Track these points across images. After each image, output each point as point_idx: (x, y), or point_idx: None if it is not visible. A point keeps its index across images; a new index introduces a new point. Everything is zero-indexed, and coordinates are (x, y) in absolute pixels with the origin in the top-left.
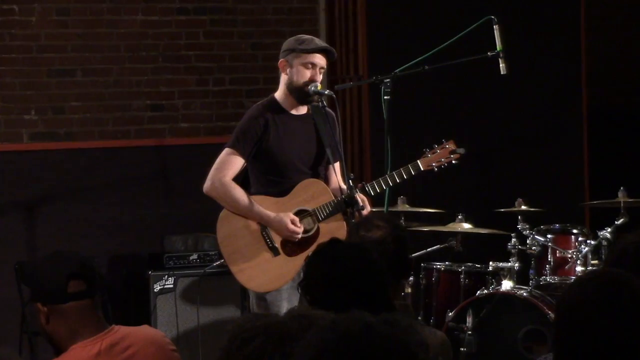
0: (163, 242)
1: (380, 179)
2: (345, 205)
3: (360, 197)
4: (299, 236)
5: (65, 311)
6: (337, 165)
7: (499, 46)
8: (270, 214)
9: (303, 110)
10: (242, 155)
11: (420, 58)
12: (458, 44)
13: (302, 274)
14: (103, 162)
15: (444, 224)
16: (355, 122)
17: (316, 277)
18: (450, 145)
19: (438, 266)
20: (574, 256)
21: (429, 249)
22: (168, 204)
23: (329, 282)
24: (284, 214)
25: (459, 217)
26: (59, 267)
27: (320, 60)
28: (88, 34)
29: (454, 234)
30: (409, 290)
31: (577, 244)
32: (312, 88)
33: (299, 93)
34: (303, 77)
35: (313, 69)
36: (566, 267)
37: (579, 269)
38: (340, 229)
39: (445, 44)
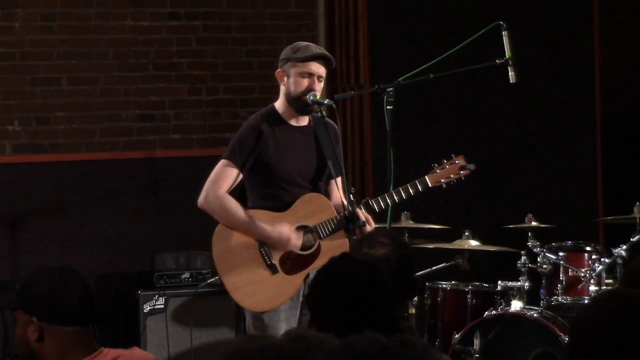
0: (153, 260)
1: (385, 194)
2: (346, 222)
3: (363, 214)
4: (300, 243)
5: (63, 333)
6: (339, 180)
7: (508, 53)
8: (268, 227)
9: (304, 121)
10: (239, 167)
11: (425, 66)
12: (465, 51)
13: (301, 294)
14: (90, 175)
15: (450, 240)
16: (356, 134)
17: (321, 293)
18: (460, 161)
19: (444, 285)
20: (587, 275)
21: (434, 267)
22: (159, 219)
23: (335, 300)
24: (281, 224)
25: (466, 233)
26: (70, 287)
27: (317, 68)
28: (74, 40)
29: (461, 252)
30: (413, 310)
31: (590, 262)
32: (311, 97)
33: (297, 103)
34: (300, 87)
35: (310, 77)
36: (579, 286)
37: (592, 288)
38: (342, 247)
39: (452, 50)
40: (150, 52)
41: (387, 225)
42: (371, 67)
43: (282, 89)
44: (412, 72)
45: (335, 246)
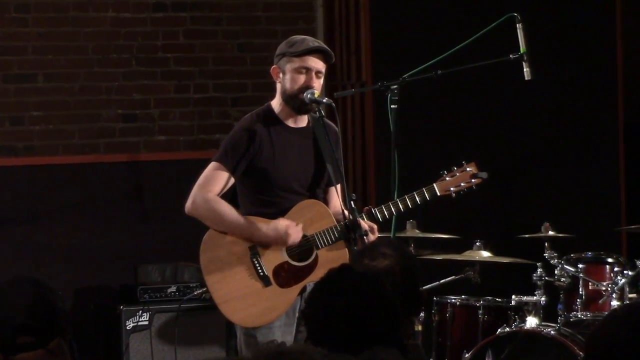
0: (137, 272)
1: (390, 203)
2: (347, 231)
3: (366, 223)
4: (300, 237)
5: None
6: (339, 187)
7: (522, 48)
8: (263, 225)
9: (302, 122)
10: (230, 170)
11: (432, 61)
12: (476, 45)
13: (297, 309)
14: (68, 180)
15: (460, 251)
16: (358, 135)
17: (319, 308)
18: (471, 168)
19: (453, 300)
20: (609, 289)
21: (442, 281)
22: (143, 228)
23: (333, 315)
24: (276, 220)
25: (477, 244)
26: (3, 315)
27: (315, 63)
28: (51, 33)
29: (471, 264)
30: (420, 328)
31: (612, 274)
32: (308, 96)
33: (294, 102)
34: (297, 84)
35: (307, 73)
36: (600, 301)
37: (614, 303)
38: (342, 258)
39: (461, 45)
40: (134, 46)
41: (390, 235)
42: (374, 63)
43: (278, 86)
44: (419, 68)
45: (335, 257)
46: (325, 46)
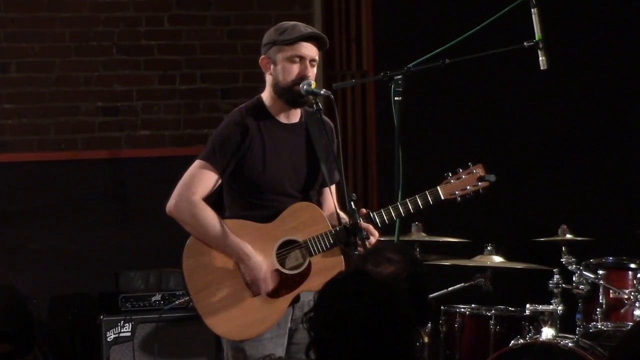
0: (118, 279)
1: (390, 207)
2: (346, 234)
3: (363, 225)
4: (269, 289)
5: None
6: (333, 188)
7: (537, 35)
8: (249, 250)
9: (295, 117)
10: (218, 170)
11: (439, 50)
12: (487, 31)
13: (289, 320)
14: (43, 178)
15: (470, 256)
16: (359, 129)
17: (330, 313)
18: (478, 170)
19: (462, 310)
20: (632, 297)
21: (450, 288)
22: (124, 231)
23: (346, 323)
24: (265, 262)
25: (488, 248)
26: None
27: (308, 50)
28: (24, 19)
29: (482, 270)
30: (427, 339)
31: (635, 281)
32: (305, 87)
33: (289, 95)
34: (291, 75)
35: (301, 62)
36: (622, 310)
37: (637, 313)
38: (337, 265)
39: (471, 31)
40: (114, 33)
41: (395, 239)
42: (376, 51)
43: (268, 78)
44: (425, 57)
45: (329, 265)
46: (318, 32)
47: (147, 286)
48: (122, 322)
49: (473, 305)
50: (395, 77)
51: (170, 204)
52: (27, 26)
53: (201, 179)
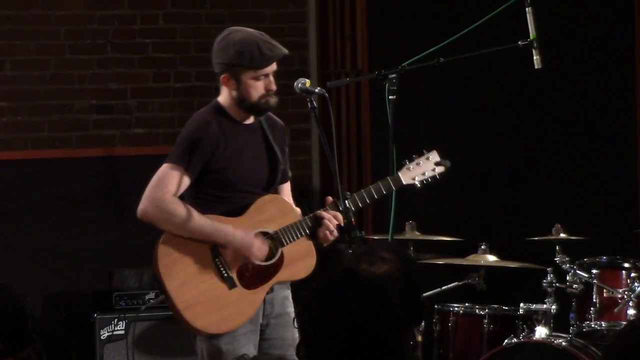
0: (112, 277)
1: (354, 194)
2: (341, 233)
3: (331, 213)
4: (265, 252)
5: None
6: (286, 185)
7: (532, 34)
8: (232, 228)
9: (250, 117)
10: (187, 172)
11: (433, 48)
12: (481, 30)
13: (261, 315)
14: (37, 176)
15: (463, 255)
16: (353, 127)
17: (318, 312)
18: (433, 156)
19: (456, 309)
20: (625, 296)
21: (444, 287)
22: (118, 229)
23: (334, 322)
24: (250, 233)
25: (482, 247)
26: None
27: (273, 66)
28: (19, 16)
29: (476, 269)
30: (420, 338)
31: (629, 281)
32: (299, 85)
33: (256, 109)
34: (258, 92)
35: (266, 78)
36: (615, 310)
37: (631, 312)
38: (308, 255)
39: (465, 30)
40: (109, 31)
41: (388, 238)
42: (370, 50)
43: (229, 93)
44: (419, 56)
45: (301, 254)
46: (283, 49)
47: (141, 284)
48: (115, 320)
49: (467, 304)
50: (390, 76)
51: (139, 208)
52: (22, 24)
53: (169, 180)
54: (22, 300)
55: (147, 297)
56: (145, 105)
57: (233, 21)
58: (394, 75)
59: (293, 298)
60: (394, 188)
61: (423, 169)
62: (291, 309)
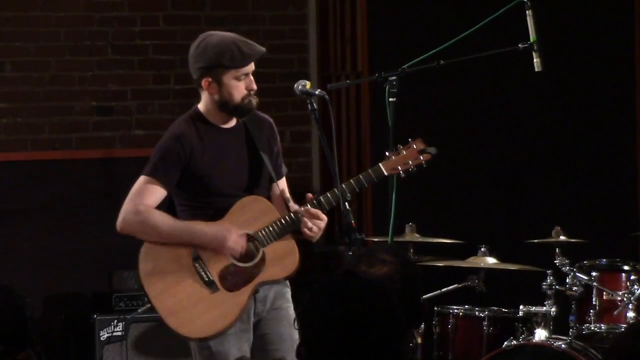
0: (111, 278)
1: (334, 188)
2: (340, 234)
3: (313, 211)
4: (242, 244)
5: None
6: (282, 182)
7: (532, 36)
8: (204, 226)
9: (233, 121)
10: (163, 183)
11: (434, 51)
12: (482, 33)
13: (252, 314)
14: (37, 178)
15: (463, 258)
16: (353, 129)
17: (317, 314)
18: (417, 145)
19: (455, 311)
20: (625, 299)
21: (444, 289)
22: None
23: (333, 324)
24: (219, 224)
25: (482, 249)
26: None
27: (252, 65)
28: (19, 18)
29: (476, 271)
30: (420, 340)
31: (628, 283)
32: (299, 87)
33: (239, 110)
34: (240, 93)
35: (247, 77)
36: (615, 312)
37: (631, 314)
38: (290, 254)
39: (466, 33)
40: (109, 33)
41: (388, 240)
42: (371, 52)
43: (208, 97)
44: (419, 58)
45: (283, 253)
46: (262, 48)
47: (140, 286)
48: (115, 321)
49: (466, 306)
50: (390, 78)
51: (119, 220)
52: (22, 25)
53: (146, 193)
54: (21, 302)
55: (146, 298)
56: (145, 107)
57: (233, 23)
58: (394, 78)
59: (293, 298)
60: (375, 179)
61: (407, 157)
62: (288, 305)
